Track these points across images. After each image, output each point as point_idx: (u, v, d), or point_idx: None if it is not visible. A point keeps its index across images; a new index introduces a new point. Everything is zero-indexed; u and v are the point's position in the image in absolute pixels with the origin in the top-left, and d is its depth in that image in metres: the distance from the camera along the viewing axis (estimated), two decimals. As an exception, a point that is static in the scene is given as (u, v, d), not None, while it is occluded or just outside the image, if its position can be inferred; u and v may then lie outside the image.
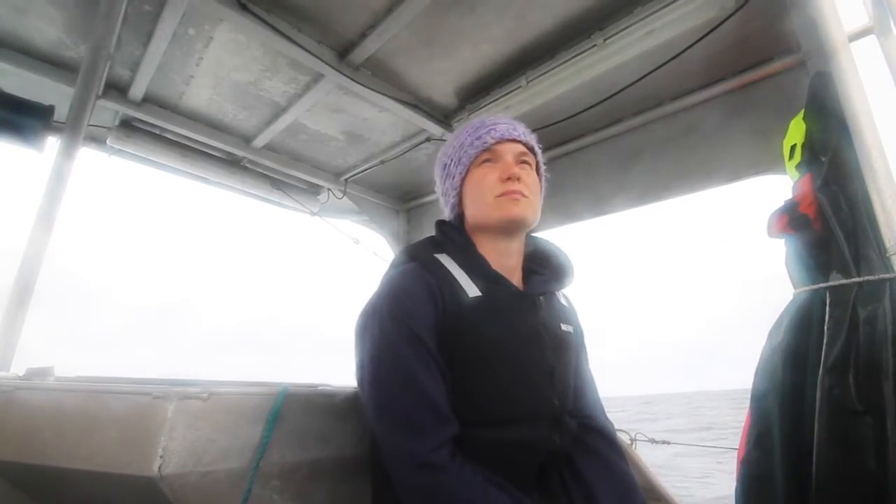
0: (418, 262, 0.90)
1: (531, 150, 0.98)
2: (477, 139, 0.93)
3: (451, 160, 0.97)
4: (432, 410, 0.77)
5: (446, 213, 1.03)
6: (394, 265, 0.96)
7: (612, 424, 1.01)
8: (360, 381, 0.86)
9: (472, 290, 0.87)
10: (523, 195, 0.90)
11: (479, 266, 0.91)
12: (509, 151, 0.93)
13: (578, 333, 1.02)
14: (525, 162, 0.95)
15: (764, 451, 1.01)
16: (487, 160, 0.93)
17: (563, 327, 0.95)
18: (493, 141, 0.92)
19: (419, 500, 0.75)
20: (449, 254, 0.93)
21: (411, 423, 0.76)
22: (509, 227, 0.92)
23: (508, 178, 0.89)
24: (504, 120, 0.97)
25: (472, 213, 0.94)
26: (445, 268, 0.89)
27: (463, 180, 0.96)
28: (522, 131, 0.97)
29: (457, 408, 0.80)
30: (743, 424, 1.10)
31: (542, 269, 1.00)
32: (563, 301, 1.03)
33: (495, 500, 0.74)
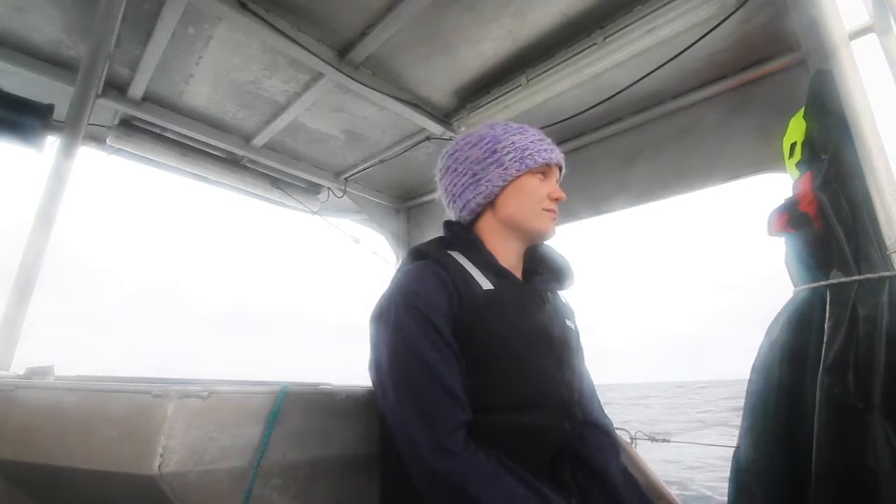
0: (431, 258, 0.94)
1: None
2: (544, 151, 1.00)
3: (509, 154, 0.98)
4: (448, 396, 0.79)
5: (464, 196, 1.02)
6: (404, 264, 0.99)
7: (609, 420, 1.04)
8: (377, 371, 0.87)
9: (485, 283, 0.91)
10: (556, 216, 1.02)
11: (489, 261, 0.95)
12: (555, 175, 1.04)
13: (577, 331, 1.06)
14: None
15: (757, 447, 1.01)
16: (542, 173, 1.01)
17: (567, 323, 1.01)
18: (554, 161, 1.01)
19: (433, 485, 0.76)
20: (460, 251, 0.97)
21: (426, 408, 0.78)
22: (538, 238, 1.03)
23: (556, 199, 1.00)
24: (552, 143, 1.05)
25: (513, 211, 0.99)
26: (459, 263, 0.93)
27: (514, 178, 0.99)
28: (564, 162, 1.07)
29: (471, 395, 0.82)
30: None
31: (542, 269, 1.04)
32: (563, 300, 1.07)
33: (509, 486, 0.75)
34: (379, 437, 0.97)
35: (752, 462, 1.02)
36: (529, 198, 0.98)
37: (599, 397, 1.05)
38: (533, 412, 0.86)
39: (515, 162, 0.97)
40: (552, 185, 1.01)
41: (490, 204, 1.00)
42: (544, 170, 1.00)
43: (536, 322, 0.93)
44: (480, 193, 0.99)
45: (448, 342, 0.83)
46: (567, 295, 1.10)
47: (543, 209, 0.98)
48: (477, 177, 1.00)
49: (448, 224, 1.05)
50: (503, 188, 0.98)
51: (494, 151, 0.99)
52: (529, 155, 0.98)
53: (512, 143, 0.99)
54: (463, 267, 0.92)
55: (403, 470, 0.80)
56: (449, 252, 0.96)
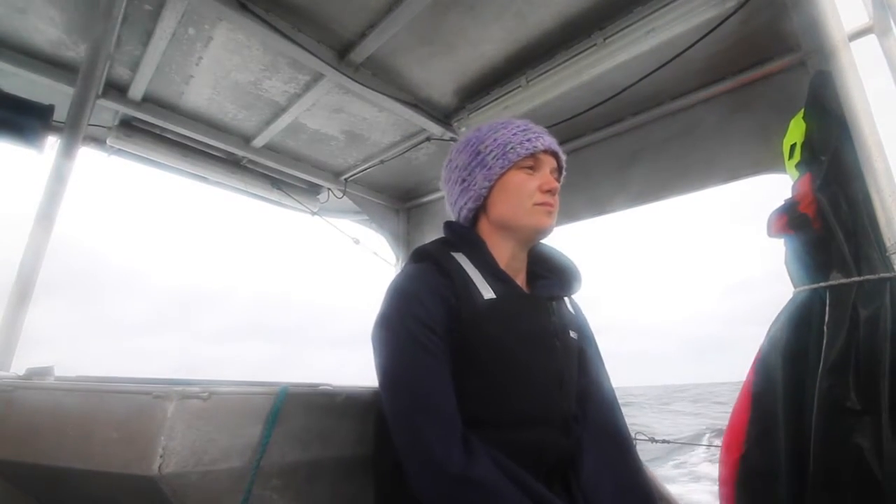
0: (430, 261, 0.91)
1: (560, 168, 1.00)
2: (527, 141, 0.93)
3: (492, 153, 0.94)
4: (442, 417, 0.77)
5: (458, 203, 1.00)
6: (406, 265, 0.96)
7: (628, 430, 0.98)
8: (380, 376, 0.85)
9: (486, 291, 0.87)
10: (554, 208, 0.94)
11: (490, 263, 0.92)
12: (548, 164, 0.96)
13: (584, 338, 1.02)
14: (554, 177, 0.98)
15: (766, 449, 1.01)
16: (529, 166, 0.94)
17: (571, 334, 0.96)
18: (541, 149, 0.94)
19: (441, 487, 0.73)
20: (463, 251, 0.94)
21: (423, 432, 0.76)
22: (535, 236, 0.96)
23: (548, 191, 0.93)
24: (545, 130, 0.98)
25: (503, 211, 0.94)
26: (461, 266, 0.90)
27: (499, 177, 0.94)
28: (560, 147, 0.99)
29: (465, 409, 0.80)
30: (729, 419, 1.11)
31: (547, 272, 1.00)
32: (569, 307, 1.02)
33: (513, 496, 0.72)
34: (374, 437, 0.96)
35: (761, 465, 1.02)
36: (517, 194, 0.92)
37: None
38: (529, 429, 0.84)
39: (498, 159, 0.92)
40: (543, 177, 0.93)
41: (482, 208, 0.97)
42: (531, 162, 0.94)
43: (538, 336, 0.89)
44: (470, 198, 0.96)
45: (443, 356, 0.81)
46: (576, 299, 1.06)
47: (535, 204, 0.91)
48: (465, 182, 0.97)
49: (448, 224, 1.01)
50: (490, 189, 0.94)
51: (478, 153, 0.95)
52: (511, 149, 0.92)
53: (494, 139, 0.94)
54: (465, 271, 0.89)
55: (398, 471, 0.79)
56: (451, 254, 0.93)
